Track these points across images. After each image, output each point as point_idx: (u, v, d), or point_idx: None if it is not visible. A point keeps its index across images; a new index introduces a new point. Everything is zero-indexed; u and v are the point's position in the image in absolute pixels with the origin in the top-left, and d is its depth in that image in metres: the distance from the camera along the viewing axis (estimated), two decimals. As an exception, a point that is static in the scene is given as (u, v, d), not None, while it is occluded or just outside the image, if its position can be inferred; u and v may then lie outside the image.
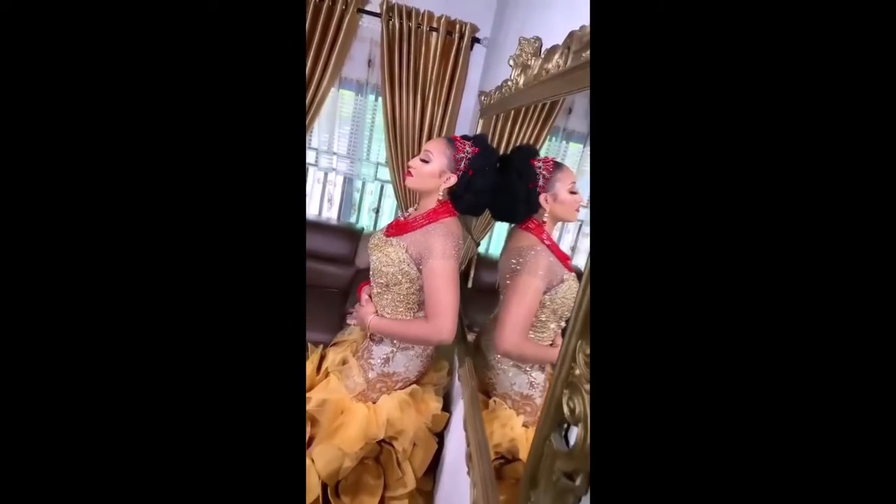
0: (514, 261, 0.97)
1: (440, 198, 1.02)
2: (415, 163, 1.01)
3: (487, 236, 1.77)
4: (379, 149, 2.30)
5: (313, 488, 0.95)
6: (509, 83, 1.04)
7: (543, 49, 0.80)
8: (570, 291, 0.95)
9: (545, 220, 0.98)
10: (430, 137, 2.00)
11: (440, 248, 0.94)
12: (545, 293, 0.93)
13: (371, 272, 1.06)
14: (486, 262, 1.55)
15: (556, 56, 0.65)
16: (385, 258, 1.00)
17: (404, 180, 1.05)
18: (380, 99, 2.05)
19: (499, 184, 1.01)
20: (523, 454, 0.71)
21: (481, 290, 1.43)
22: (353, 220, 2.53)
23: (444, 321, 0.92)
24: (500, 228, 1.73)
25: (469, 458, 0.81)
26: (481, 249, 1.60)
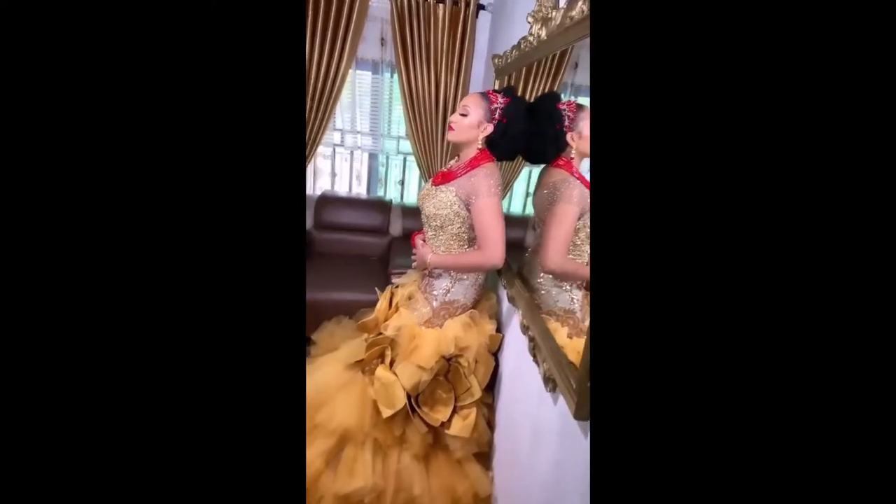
0: (549, 194, 1.12)
1: (479, 147, 1.17)
2: (455, 118, 1.15)
3: (508, 197, 1.92)
4: (399, 123, 2.44)
5: (400, 399, 1.15)
6: (529, 38, 1.17)
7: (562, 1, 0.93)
8: (600, 215, 1.10)
9: (573, 156, 1.13)
10: (446, 107, 2.13)
11: (485, 187, 1.10)
12: (579, 219, 1.08)
13: (424, 218, 1.22)
14: (507, 221, 1.69)
15: (580, 2, 0.79)
16: (438, 202, 1.16)
17: (446, 135, 1.20)
18: (395, 75, 2.18)
19: (530, 128, 1.16)
20: (571, 358, 0.87)
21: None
22: (381, 193, 2.70)
23: (495, 248, 1.09)
24: (518, 190, 1.85)
25: (533, 347, 0.98)
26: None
